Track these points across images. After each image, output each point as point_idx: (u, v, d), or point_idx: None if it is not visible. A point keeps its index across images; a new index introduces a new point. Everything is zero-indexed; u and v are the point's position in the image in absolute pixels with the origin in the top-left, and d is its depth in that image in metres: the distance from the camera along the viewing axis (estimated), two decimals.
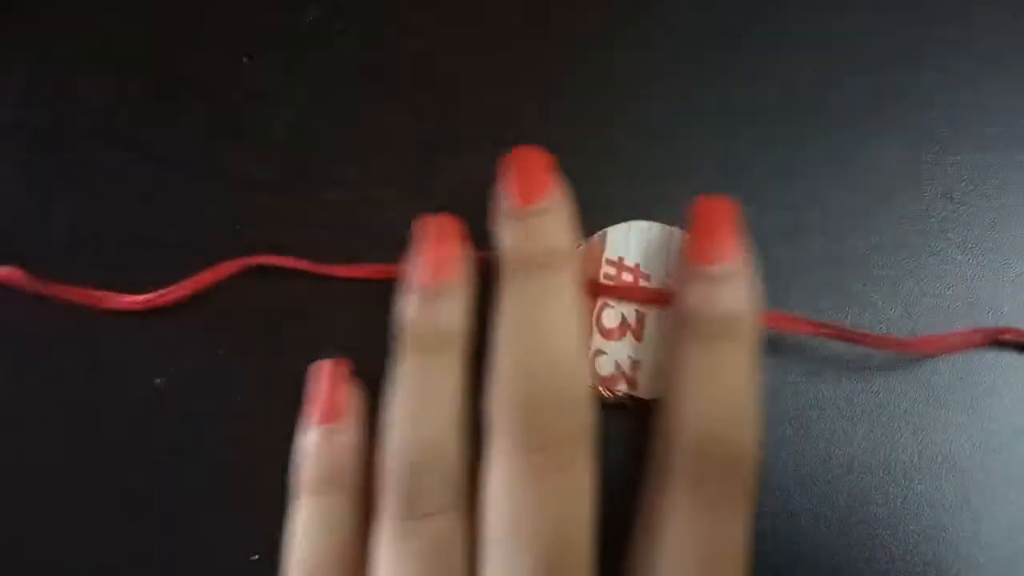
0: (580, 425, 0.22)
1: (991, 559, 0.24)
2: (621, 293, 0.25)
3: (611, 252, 0.26)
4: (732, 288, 0.22)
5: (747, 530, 0.21)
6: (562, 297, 0.22)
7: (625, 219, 0.26)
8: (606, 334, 0.25)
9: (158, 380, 0.26)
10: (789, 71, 0.27)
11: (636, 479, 0.24)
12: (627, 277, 0.25)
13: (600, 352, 0.25)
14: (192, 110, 0.28)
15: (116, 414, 0.26)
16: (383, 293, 0.25)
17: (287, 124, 0.28)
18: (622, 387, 0.25)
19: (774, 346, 0.25)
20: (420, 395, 0.22)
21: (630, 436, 0.25)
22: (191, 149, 0.27)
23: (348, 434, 0.24)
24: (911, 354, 0.25)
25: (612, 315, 0.25)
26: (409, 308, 0.23)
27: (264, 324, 0.26)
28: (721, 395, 0.21)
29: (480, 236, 0.24)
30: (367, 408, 0.24)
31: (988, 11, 0.27)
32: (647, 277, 0.25)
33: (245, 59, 0.28)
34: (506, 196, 0.23)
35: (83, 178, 0.28)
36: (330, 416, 0.24)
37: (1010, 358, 0.25)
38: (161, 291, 0.26)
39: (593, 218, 0.26)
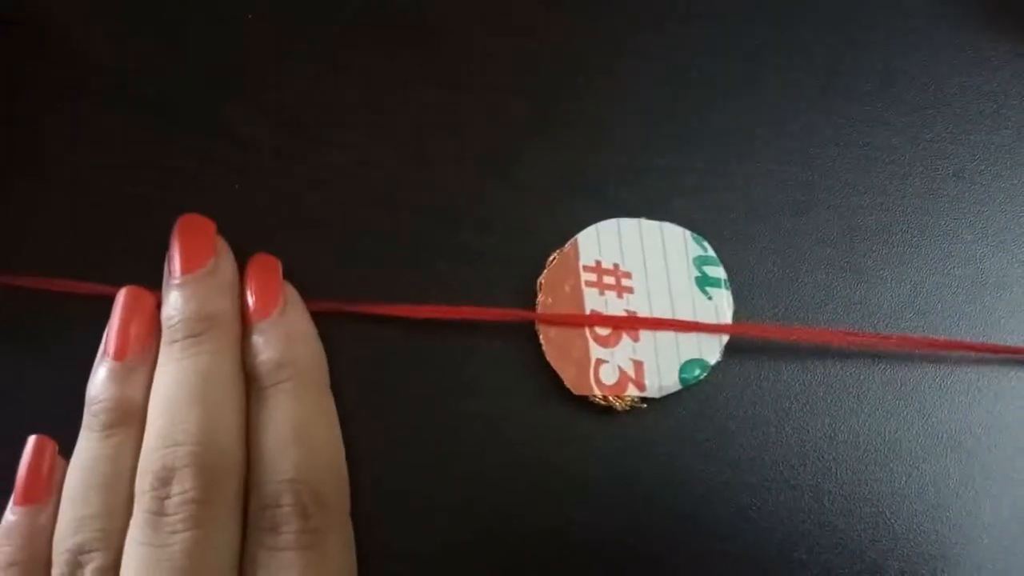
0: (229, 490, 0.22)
1: (993, 538, 0.24)
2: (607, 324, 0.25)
3: (586, 258, 0.25)
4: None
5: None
6: (217, 369, 0.22)
7: (651, 192, 0.26)
8: (602, 341, 0.25)
9: None
10: (802, 49, 0.27)
11: (657, 483, 0.24)
12: (609, 280, 0.25)
13: (601, 361, 0.24)
14: (194, 68, 0.27)
15: None
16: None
17: (288, 84, 0.27)
18: (631, 392, 0.24)
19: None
20: (90, 475, 0.22)
21: (647, 441, 0.25)
22: (193, 108, 0.27)
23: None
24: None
25: None
26: (96, 381, 0.23)
27: None
28: (282, 441, 0.22)
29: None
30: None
31: None
32: (629, 275, 0.25)
33: (249, 16, 0.28)
34: (170, 263, 0.23)
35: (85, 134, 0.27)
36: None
37: None
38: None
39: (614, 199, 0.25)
